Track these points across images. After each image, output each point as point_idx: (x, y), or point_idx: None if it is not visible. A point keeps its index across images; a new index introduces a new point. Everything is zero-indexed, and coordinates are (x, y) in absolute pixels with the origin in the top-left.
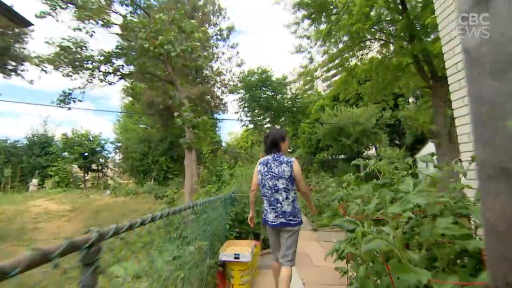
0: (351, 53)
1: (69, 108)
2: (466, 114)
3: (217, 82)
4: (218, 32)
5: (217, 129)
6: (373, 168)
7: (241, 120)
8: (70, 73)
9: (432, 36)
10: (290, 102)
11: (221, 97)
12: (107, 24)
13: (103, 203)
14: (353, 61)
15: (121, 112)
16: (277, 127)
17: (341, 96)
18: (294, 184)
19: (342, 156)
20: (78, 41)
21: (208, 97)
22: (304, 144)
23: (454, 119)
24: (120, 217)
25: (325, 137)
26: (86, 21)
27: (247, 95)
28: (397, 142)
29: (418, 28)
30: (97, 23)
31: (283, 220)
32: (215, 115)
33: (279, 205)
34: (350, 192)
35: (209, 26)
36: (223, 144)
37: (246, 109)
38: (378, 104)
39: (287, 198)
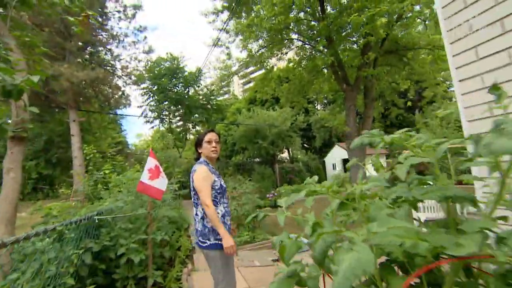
0: (269, 52)
1: None
2: (478, 75)
3: (116, 69)
4: (122, 9)
5: (122, 128)
6: None
7: (146, 116)
8: None
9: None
10: (204, 99)
11: (123, 88)
12: None
13: None
14: (273, 60)
15: None
16: (190, 125)
17: (259, 95)
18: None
19: (257, 160)
20: None
21: (106, 87)
22: (220, 147)
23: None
24: None
25: (241, 139)
26: None
27: (154, 87)
28: (306, 145)
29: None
30: None
31: (196, 239)
32: (117, 111)
33: (195, 221)
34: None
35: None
36: (131, 146)
37: (152, 102)
38: (292, 108)
39: (196, 214)
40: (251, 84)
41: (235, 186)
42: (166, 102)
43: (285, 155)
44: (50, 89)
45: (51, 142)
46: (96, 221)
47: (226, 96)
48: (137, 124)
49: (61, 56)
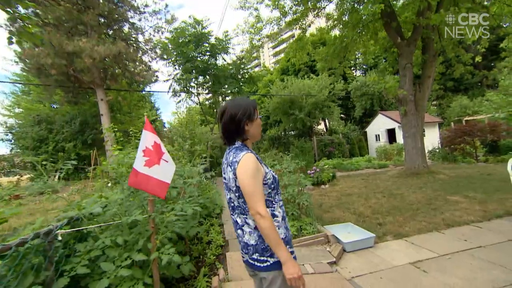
0: (304, 7)
1: None
2: None
3: (140, 43)
4: None
5: (154, 106)
6: None
7: (174, 90)
8: None
9: None
10: (233, 68)
11: (148, 63)
12: None
13: None
14: (310, 17)
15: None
16: (220, 98)
17: (293, 60)
18: None
19: (292, 132)
20: None
21: (131, 63)
22: None
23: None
24: None
25: (275, 111)
26: None
27: (179, 58)
28: (343, 115)
29: None
30: None
31: (247, 258)
32: (145, 89)
33: (239, 231)
34: None
35: None
36: (166, 125)
37: (178, 74)
38: (329, 76)
39: (246, 222)
40: (282, 55)
41: (275, 163)
42: (193, 72)
43: (321, 127)
44: (75, 69)
45: (86, 123)
46: (59, 238)
47: (257, 69)
48: (172, 103)
49: (83, 32)
